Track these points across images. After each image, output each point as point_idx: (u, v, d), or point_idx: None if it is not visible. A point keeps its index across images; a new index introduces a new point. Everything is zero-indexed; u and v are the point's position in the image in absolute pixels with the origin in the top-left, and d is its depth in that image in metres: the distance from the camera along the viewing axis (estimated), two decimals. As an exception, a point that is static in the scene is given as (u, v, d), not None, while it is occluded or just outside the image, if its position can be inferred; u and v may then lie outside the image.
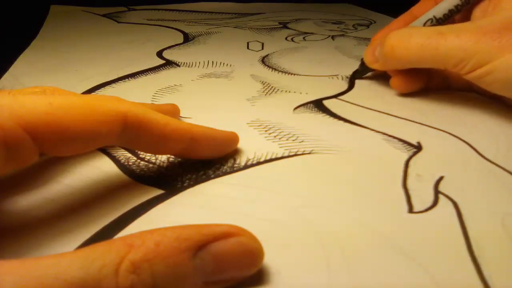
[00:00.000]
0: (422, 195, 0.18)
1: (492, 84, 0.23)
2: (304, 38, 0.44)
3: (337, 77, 0.32)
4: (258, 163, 0.20)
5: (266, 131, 0.23)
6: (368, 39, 0.43)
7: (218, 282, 0.12)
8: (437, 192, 0.18)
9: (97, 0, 0.58)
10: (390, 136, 0.23)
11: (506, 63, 0.22)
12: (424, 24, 0.28)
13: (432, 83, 0.29)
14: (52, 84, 0.21)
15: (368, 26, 0.50)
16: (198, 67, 0.34)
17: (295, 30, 0.47)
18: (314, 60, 0.36)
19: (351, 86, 0.30)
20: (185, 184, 0.18)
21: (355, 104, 0.27)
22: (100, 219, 0.16)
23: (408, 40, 0.25)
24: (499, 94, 0.24)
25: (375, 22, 0.52)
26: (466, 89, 0.29)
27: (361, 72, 0.32)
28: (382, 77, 0.32)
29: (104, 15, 0.52)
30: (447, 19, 0.27)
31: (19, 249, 0.14)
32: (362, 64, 0.31)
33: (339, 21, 0.52)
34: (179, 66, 0.34)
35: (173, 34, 0.44)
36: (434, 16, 0.27)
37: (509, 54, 0.21)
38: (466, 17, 0.27)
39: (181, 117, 0.24)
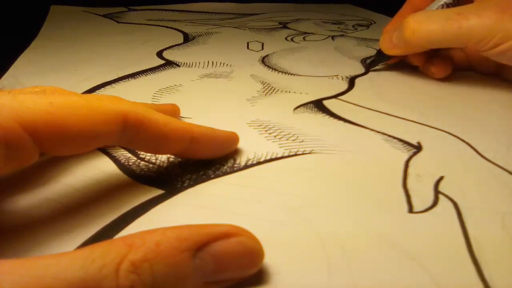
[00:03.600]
0: (422, 195, 0.18)
1: None
2: (304, 38, 0.44)
3: (337, 77, 0.32)
4: (258, 163, 0.20)
5: (266, 131, 0.23)
6: (368, 39, 0.43)
7: (218, 282, 0.12)
8: (437, 192, 0.18)
9: (97, 0, 0.58)
10: (390, 136, 0.23)
11: None
12: (437, 9, 0.30)
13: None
14: (52, 84, 0.21)
15: (368, 27, 0.50)
16: (198, 67, 0.34)
17: (295, 30, 0.47)
18: (314, 60, 0.36)
19: (351, 86, 0.30)
20: (185, 184, 0.18)
21: (355, 104, 0.27)
22: (100, 219, 0.16)
23: (428, 22, 0.27)
24: None
25: (375, 22, 0.52)
26: (467, 68, 0.32)
27: (377, 61, 0.34)
28: (382, 77, 0.32)
29: (104, 15, 0.52)
30: (457, 3, 0.29)
31: (19, 249, 0.14)
32: (379, 53, 0.33)
33: (339, 21, 0.52)
34: (179, 66, 0.34)
35: (173, 34, 0.44)
36: (445, 2, 0.29)
37: None
38: (471, 1, 0.29)
39: (181, 117, 0.24)
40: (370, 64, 0.34)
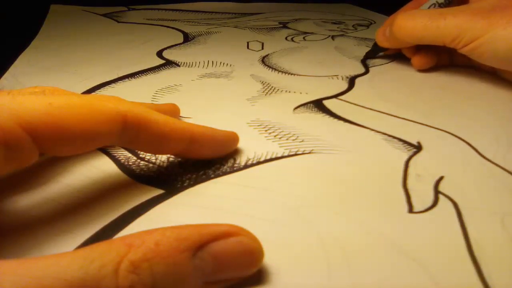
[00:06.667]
0: (422, 195, 0.18)
1: (482, 55, 0.28)
2: (304, 38, 0.44)
3: (337, 77, 0.32)
4: (258, 163, 0.20)
5: (266, 131, 0.23)
6: (368, 39, 0.43)
7: (218, 282, 0.12)
8: (437, 192, 0.18)
9: (97, 0, 0.58)
10: (390, 136, 0.23)
11: (493, 37, 0.26)
12: (429, 8, 0.32)
13: (440, 61, 0.34)
14: (52, 84, 0.21)
15: (368, 26, 0.50)
16: (198, 67, 0.34)
17: (295, 30, 0.47)
18: (314, 60, 0.36)
19: (351, 86, 0.30)
20: (185, 184, 0.18)
21: (355, 104, 0.27)
22: (100, 219, 0.16)
23: (414, 20, 0.30)
24: (490, 65, 0.30)
25: (375, 22, 0.52)
26: (467, 65, 0.34)
27: (373, 52, 0.36)
28: (382, 77, 0.32)
29: (104, 15, 0.52)
30: (448, 3, 0.32)
31: (19, 249, 0.14)
32: (375, 44, 0.36)
33: (339, 21, 0.52)
34: (179, 66, 0.34)
35: (173, 34, 0.44)
36: (437, 1, 0.32)
37: (496, 30, 0.26)
38: (464, 1, 0.31)
39: (181, 117, 0.24)
40: (367, 54, 0.37)
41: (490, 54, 0.27)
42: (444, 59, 0.34)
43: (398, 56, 0.36)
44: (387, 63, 0.35)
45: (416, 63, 0.33)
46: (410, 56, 0.34)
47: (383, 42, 0.34)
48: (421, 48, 0.33)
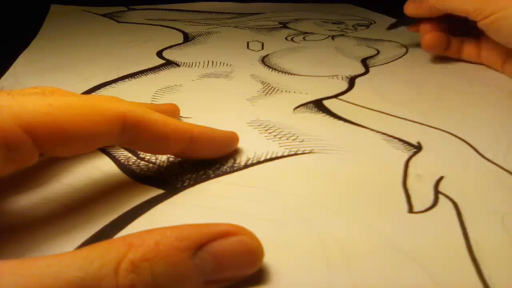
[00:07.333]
0: (422, 195, 0.18)
1: (499, 31, 0.29)
2: (304, 38, 0.44)
3: (337, 77, 0.32)
4: (258, 163, 0.20)
5: (266, 130, 0.23)
6: (368, 39, 0.43)
7: (218, 281, 0.12)
8: (437, 192, 0.18)
9: (97, 0, 0.58)
10: (390, 136, 0.23)
11: None
12: None
13: (449, 50, 0.35)
14: (52, 84, 0.21)
15: (368, 26, 0.50)
16: (198, 67, 0.34)
17: (295, 30, 0.47)
18: (314, 60, 0.36)
19: (351, 86, 0.30)
20: (185, 184, 0.18)
21: (355, 104, 0.27)
22: (100, 219, 0.16)
23: None
24: (505, 44, 0.30)
25: (375, 22, 0.52)
26: (473, 61, 0.34)
27: (397, 24, 0.39)
28: (382, 77, 0.32)
29: (104, 15, 0.52)
30: None
31: (19, 249, 0.14)
32: (402, 15, 0.37)
33: (339, 21, 0.52)
34: (179, 66, 0.34)
35: (173, 34, 0.44)
36: None
37: None
38: None
39: (181, 117, 0.24)
40: (390, 26, 0.39)
41: (507, 30, 0.28)
42: (454, 49, 0.34)
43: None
44: (387, 63, 0.35)
45: (426, 42, 0.34)
46: (424, 33, 0.34)
47: (411, 9, 0.35)
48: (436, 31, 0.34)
